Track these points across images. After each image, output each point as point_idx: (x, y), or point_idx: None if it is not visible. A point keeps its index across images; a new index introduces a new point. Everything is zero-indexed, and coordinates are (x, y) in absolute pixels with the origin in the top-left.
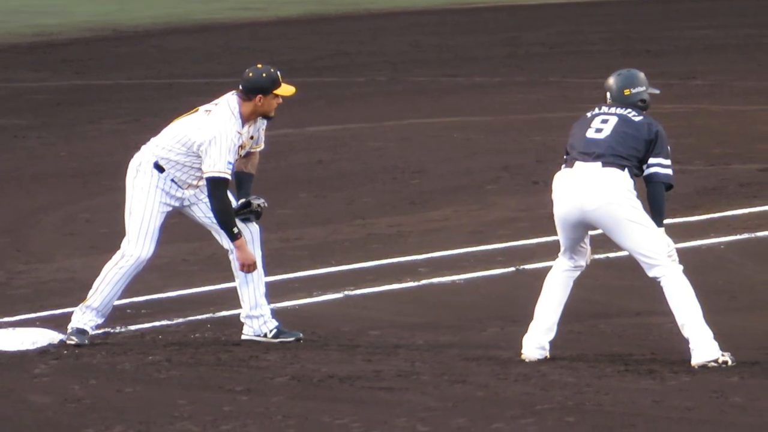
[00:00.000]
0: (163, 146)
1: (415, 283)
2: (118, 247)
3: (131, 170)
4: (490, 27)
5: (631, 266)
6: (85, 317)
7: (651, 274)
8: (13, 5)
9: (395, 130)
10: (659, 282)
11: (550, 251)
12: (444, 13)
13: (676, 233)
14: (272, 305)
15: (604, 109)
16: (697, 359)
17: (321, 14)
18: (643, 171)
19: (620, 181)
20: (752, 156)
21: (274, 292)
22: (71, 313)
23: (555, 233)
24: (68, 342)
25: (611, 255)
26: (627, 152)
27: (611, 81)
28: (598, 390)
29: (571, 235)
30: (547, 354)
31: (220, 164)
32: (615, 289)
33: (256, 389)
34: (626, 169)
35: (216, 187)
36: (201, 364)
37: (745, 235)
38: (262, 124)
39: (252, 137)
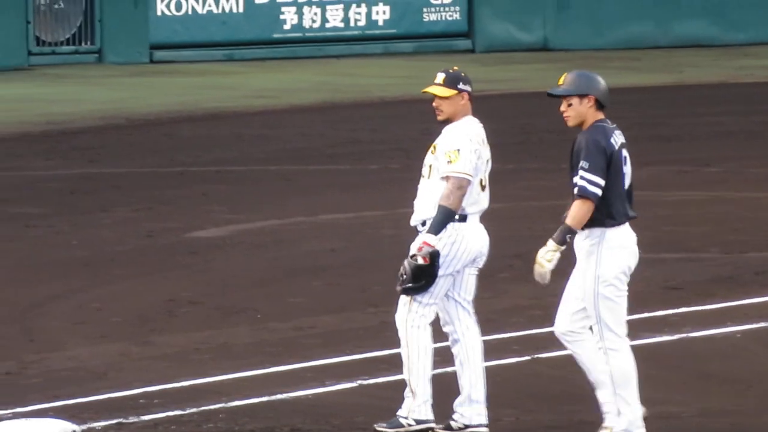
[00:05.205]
0: None
1: None
2: (128, 335)
3: None
4: (503, 114)
5: None
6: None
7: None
8: (24, 93)
9: (409, 218)
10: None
11: None
12: None
13: (692, 321)
14: (285, 395)
15: (617, 137)
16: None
17: (333, 102)
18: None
19: None
20: (767, 244)
21: (287, 382)
22: (83, 402)
23: None
24: None
25: None
26: None
27: (600, 83)
28: None
29: None
30: None
31: None
32: None
33: None
34: None
35: None
36: None
37: (762, 324)
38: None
39: None
